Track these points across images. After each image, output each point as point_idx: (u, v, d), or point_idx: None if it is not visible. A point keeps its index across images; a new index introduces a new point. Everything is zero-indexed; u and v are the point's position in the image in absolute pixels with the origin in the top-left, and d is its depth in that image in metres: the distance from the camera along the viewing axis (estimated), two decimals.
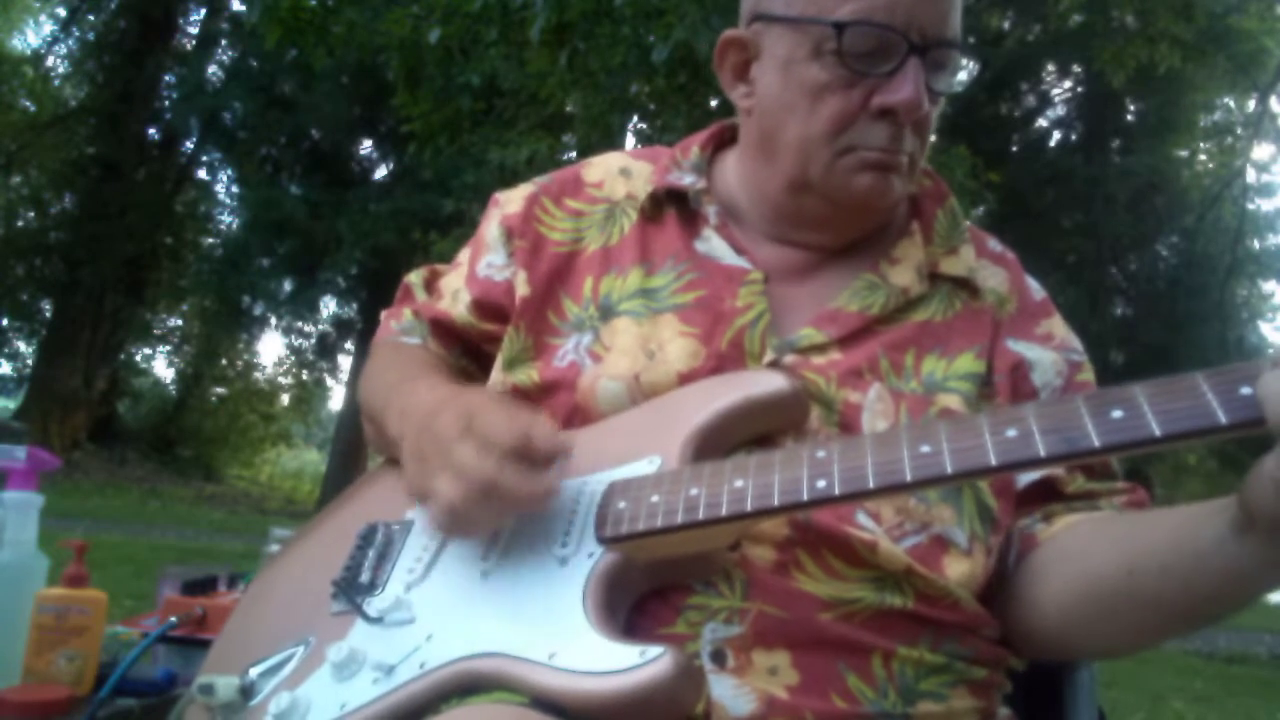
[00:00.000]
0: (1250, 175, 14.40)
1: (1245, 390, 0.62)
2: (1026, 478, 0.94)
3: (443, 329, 1.10)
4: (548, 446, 0.79)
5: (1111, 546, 0.84)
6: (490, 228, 1.09)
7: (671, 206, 1.03)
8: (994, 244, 1.07)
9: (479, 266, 1.08)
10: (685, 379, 0.90)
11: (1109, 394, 0.66)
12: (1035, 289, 1.05)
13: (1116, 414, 0.64)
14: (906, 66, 0.89)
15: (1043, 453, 0.66)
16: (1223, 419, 0.61)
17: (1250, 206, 14.58)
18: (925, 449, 0.70)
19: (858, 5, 0.89)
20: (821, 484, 0.72)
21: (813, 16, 0.91)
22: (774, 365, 0.90)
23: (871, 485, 0.70)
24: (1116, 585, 0.82)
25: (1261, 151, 16.37)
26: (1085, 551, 0.87)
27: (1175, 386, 0.64)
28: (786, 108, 0.94)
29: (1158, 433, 0.62)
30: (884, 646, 0.81)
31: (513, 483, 0.77)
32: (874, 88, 0.91)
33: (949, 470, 0.68)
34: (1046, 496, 0.95)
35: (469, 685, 0.76)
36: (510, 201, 1.10)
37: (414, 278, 1.18)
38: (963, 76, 0.96)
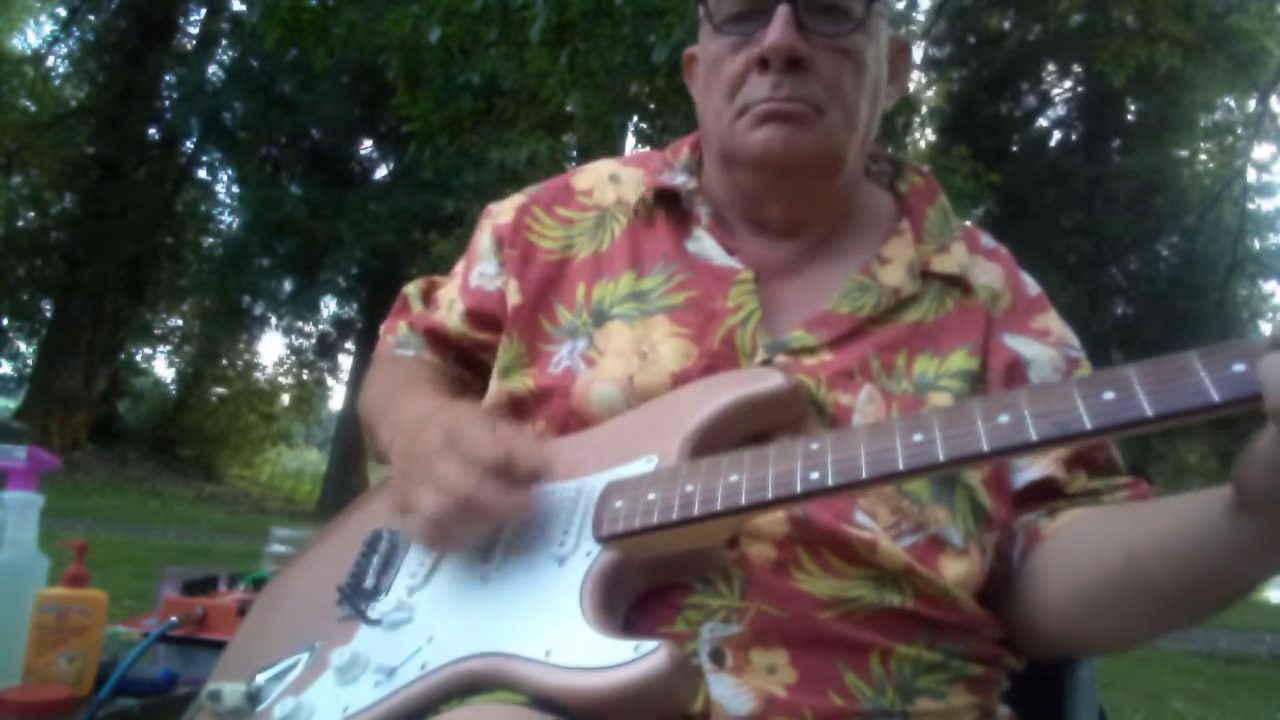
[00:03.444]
0: (1250, 175, 14.42)
1: (1238, 367, 0.61)
2: (1027, 476, 0.94)
3: (438, 339, 1.12)
4: (528, 463, 0.80)
5: (1112, 536, 0.84)
6: (482, 238, 1.11)
7: (662, 208, 1.04)
8: (987, 240, 1.07)
9: (472, 277, 1.09)
10: (678, 379, 0.90)
11: (1101, 376, 0.66)
12: (1030, 284, 1.04)
13: (1108, 395, 0.64)
14: (774, 15, 0.91)
15: (1035, 437, 0.65)
16: (1216, 397, 0.60)
17: (1250, 206, 14.60)
18: (917, 437, 0.69)
19: None
20: (815, 475, 0.72)
21: None
22: (766, 365, 0.90)
23: (864, 475, 0.70)
24: (1116, 572, 0.82)
25: (1261, 151, 16.37)
26: (1087, 543, 0.87)
27: (1168, 366, 0.63)
28: (704, 90, 1.00)
29: (1150, 413, 0.61)
30: (882, 645, 0.81)
31: (491, 498, 0.78)
32: (756, 45, 0.93)
33: (941, 458, 0.68)
34: (1049, 495, 0.94)
35: (469, 685, 0.76)
36: (501, 212, 1.11)
37: (411, 289, 1.19)
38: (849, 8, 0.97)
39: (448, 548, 0.86)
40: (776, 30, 0.91)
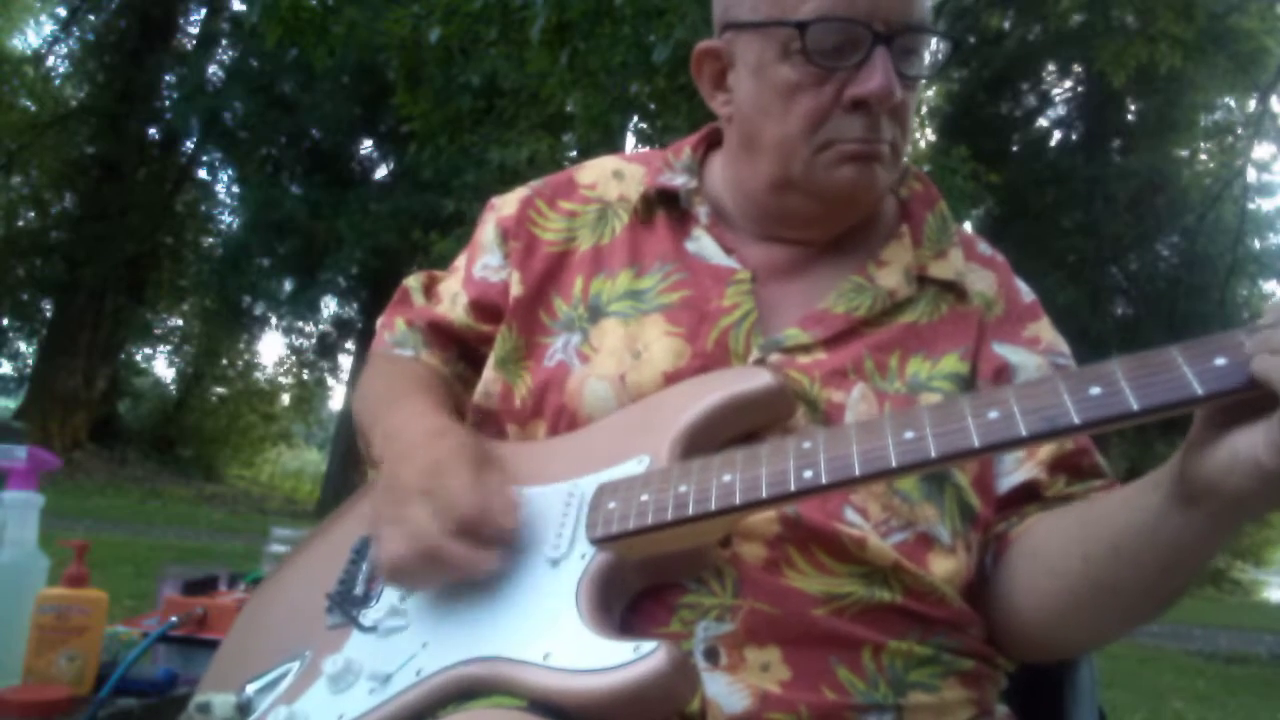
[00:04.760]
0: (1250, 175, 14.39)
1: (1219, 361, 0.62)
2: (1011, 481, 0.94)
3: (440, 332, 1.11)
4: (499, 526, 0.81)
5: (1066, 538, 0.86)
6: (486, 231, 1.11)
7: (662, 208, 1.04)
8: (983, 247, 1.08)
9: (475, 269, 1.09)
10: (670, 379, 0.90)
11: (1087, 372, 0.67)
12: (1024, 292, 1.05)
13: (1095, 391, 0.65)
14: (874, 56, 0.90)
15: (1024, 432, 0.66)
16: (1199, 390, 0.62)
17: (1250, 206, 14.58)
18: (909, 434, 0.70)
19: (819, 2, 0.90)
20: (808, 474, 0.72)
21: (776, 18, 0.92)
22: (759, 364, 0.91)
23: (858, 473, 0.71)
24: (1076, 575, 0.83)
25: (1261, 151, 16.30)
26: (1046, 547, 0.88)
27: (1151, 361, 0.65)
28: (762, 111, 0.96)
29: (1135, 406, 0.63)
30: (873, 640, 0.82)
31: (455, 555, 0.79)
32: (845, 81, 0.91)
33: (933, 454, 0.69)
34: (1028, 499, 0.95)
35: (466, 690, 0.76)
36: (505, 204, 1.11)
37: (412, 282, 1.18)
38: (927, 59, 0.96)
39: (403, 587, 0.86)
40: (884, 77, 0.89)
